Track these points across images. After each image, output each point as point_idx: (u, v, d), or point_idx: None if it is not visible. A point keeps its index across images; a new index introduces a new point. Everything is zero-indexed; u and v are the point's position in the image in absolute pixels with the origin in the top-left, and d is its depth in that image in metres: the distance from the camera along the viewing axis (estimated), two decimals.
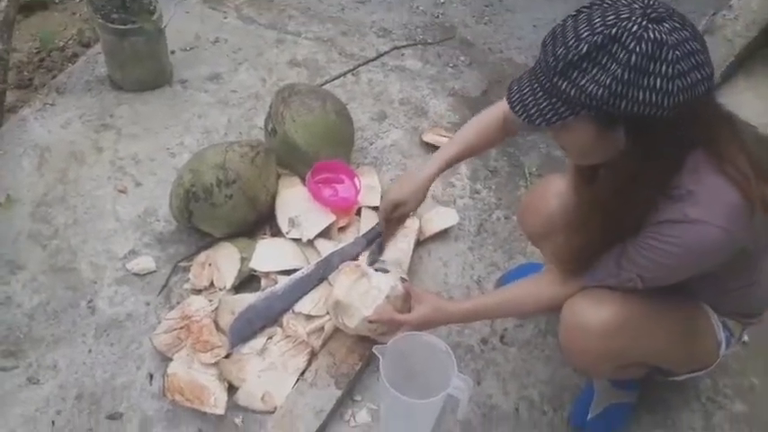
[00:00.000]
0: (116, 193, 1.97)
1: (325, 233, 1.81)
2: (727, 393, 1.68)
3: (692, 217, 1.05)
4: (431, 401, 1.32)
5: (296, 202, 1.82)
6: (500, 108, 1.47)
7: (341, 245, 1.77)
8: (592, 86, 0.95)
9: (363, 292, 1.49)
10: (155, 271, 1.78)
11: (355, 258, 1.75)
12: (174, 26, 2.45)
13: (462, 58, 2.62)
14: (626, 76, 0.93)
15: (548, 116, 1.01)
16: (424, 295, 1.46)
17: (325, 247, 1.76)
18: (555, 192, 1.43)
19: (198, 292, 1.71)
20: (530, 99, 1.03)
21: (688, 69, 0.94)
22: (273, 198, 1.84)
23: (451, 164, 1.56)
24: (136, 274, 1.77)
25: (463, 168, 2.14)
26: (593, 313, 1.23)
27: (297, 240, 1.78)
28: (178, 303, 1.69)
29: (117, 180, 2.01)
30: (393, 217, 1.65)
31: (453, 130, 2.28)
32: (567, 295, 1.28)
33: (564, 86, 0.98)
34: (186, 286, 1.73)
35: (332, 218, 1.81)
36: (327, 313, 1.64)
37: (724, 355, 1.36)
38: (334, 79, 2.40)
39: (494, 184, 2.12)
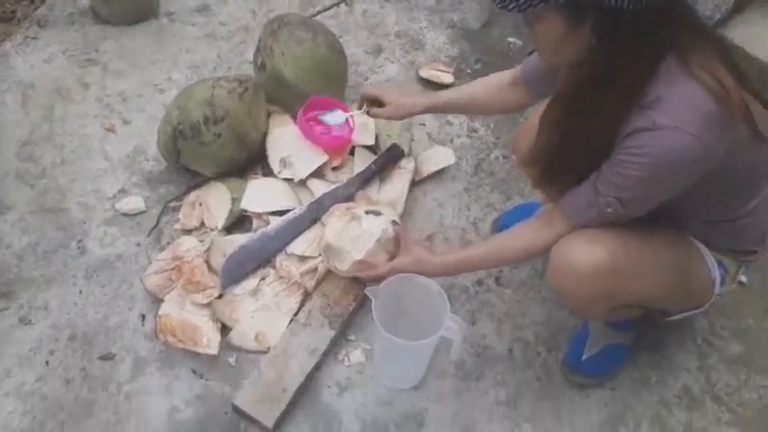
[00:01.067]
0: (104, 131, 1.92)
1: (318, 173, 1.76)
2: (723, 335, 1.67)
3: (661, 123, 1.02)
4: (423, 343, 1.31)
5: (287, 141, 1.77)
6: (513, 71, 1.48)
7: (334, 185, 1.73)
8: None
9: (354, 235, 1.47)
10: (145, 211, 1.75)
11: (349, 200, 1.71)
12: None
13: None
14: None
15: (520, 2, 1.00)
16: (411, 246, 1.44)
17: (318, 188, 1.72)
18: None
19: (188, 232, 1.68)
20: None
21: None
22: (264, 136, 1.78)
23: (448, 108, 1.53)
24: (125, 214, 1.74)
25: None
26: (583, 254, 1.20)
27: (289, 180, 1.74)
28: (169, 244, 1.67)
29: (104, 118, 1.95)
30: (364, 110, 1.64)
31: (452, 64, 2.21)
32: (555, 237, 1.25)
33: None
34: (177, 226, 1.70)
35: (324, 158, 1.75)
36: (320, 255, 1.62)
37: (719, 293, 1.34)
38: (326, 10, 2.30)
39: (492, 122, 2.06)
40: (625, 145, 1.08)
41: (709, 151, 1.03)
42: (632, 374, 1.57)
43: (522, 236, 1.32)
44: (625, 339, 1.53)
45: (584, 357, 1.51)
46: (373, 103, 1.62)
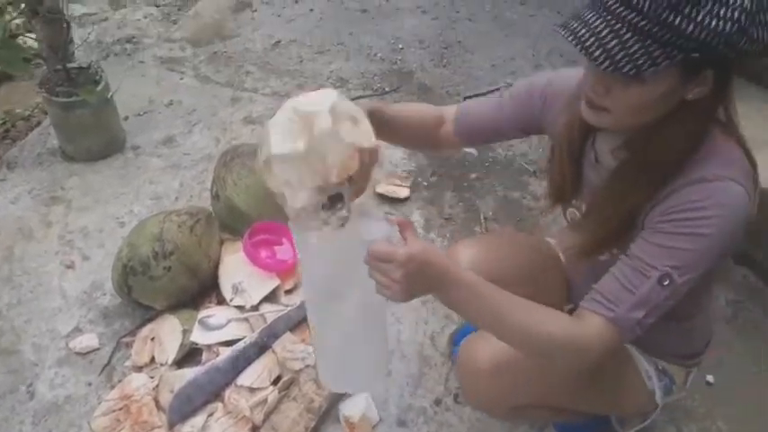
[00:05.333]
0: (63, 268, 1.94)
1: (271, 297, 1.76)
2: None
3: (718, 173, 0.93)
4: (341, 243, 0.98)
5: (239, 268, 1.78)
6: (443, 111, 1.29)
7: (286, 309, 1.72)
8: (714, 22, 0.81)
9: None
10: (98, 348, 1.74)
11: (302, 323, 1.71)
12: (127, 91, 2.47)
13: None
14: (751, 7, 0.82)
15: (639, 62, 0.84)
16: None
17: (271, 313, 1.72)
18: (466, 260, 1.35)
19: (139, 369, 1.66)
20: (612, 41, 0.85)
21: None
22: (217, 265, 1.80)
23: (383, 115, 1.14)
24: (78, 353, 1.73)
25: (416, 216, 2.11)
26: (485, 351, 1.18)
27: (241, 307, 1.73)
28: (120, 381, 1.65)
29: (65, 255, 1.98)
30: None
31: (409, 179, 2.25)
32: (590, 340, 0.97)
33: (676, 23, 0.82)
34: (128, 363, 1.69)
35: (276, 281, 1.76)
36: (271, 384, 1.59)
37: (667, 402, 1.30)
38: None
39: (449, 232, 2.08)
40: (671, 205, 0.95)
41: (750, 210, 0.96)
42: None
43: (555, 313, 1.00)
44: None
45: None
46: None
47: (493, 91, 1.01)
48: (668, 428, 1.62)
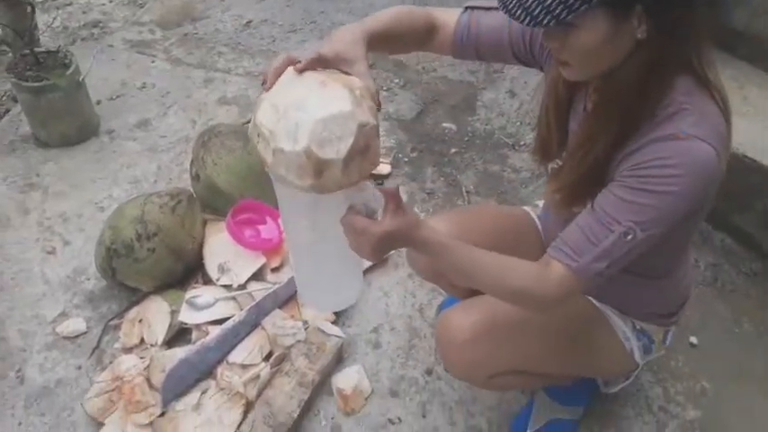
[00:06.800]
0: (44, 254, 1.91)
1: (258, 275, 1.76)
2: (679, 401, 1.65)
3: (689, 132, 0.93)
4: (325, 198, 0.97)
5: (224, 248, 1.78)
6: (435, 18, 1.20)
7: (274, 287, 1.72)
8: None
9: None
10: (86, 332, 1.73)
11: (291, 300, 1.72)
12: (98, 75, 2.43)
13: (396, 81, 2.60)
14: None
15: (556, 11, 0.87)
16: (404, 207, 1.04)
17: (259, 291, 1.72)
18: None
19: (129, 350, 1.65)
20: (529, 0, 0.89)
21: None
22: (201, 246, 1.79)
23: (378, 31, 1.09)
24: (66, 338, 1.71)
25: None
26: (460, 321, 1.23)
27: (228, 287, 1.73)
28: (110, 364, 1.64)
29: (45, 241, 1.95)
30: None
31: (389, 154, 2.26)
32: (553, 285, 1.02)
33: None
34: (117, 345, 1.68)
35: (262, 260, 1.76)
36: (263, 360, 1.60)
37: (645, 361, 1.34)
38: None
39: (431, 207, 2.10)
40: (639, 160, 0.96)
41: (720, 172, 0.96)
42: None
43: (528, 270, 1.05)
44: (572, 414, 1.51)
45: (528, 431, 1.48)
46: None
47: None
48: (655, 389, 1.67)
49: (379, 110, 0.99)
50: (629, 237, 0.96)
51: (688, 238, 1.19)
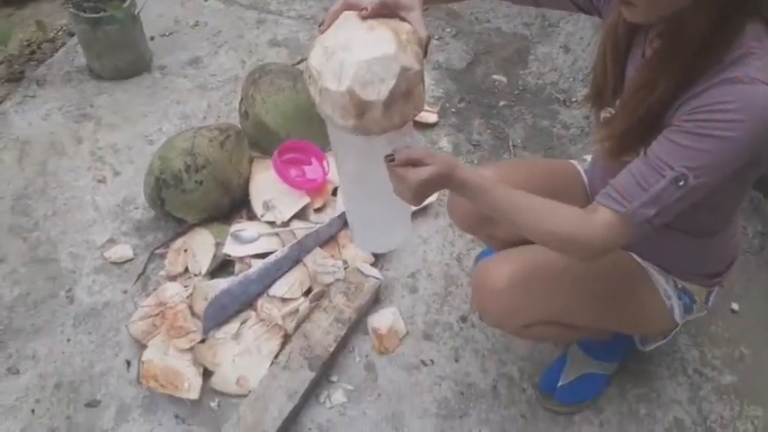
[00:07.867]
0: (95, 183, 1.97)
1: (301, 214, 1.79)
2: (716, 365, 1.63)
3: (755, 77, 0.88)
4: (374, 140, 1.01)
5: (270, 185, 1.80)
6: None
7: (317, 226, 1.75)
8: None
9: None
10: (132, 259, 1.79)
11: (332, 239, 1.74)
12: (153, 11, 2.45)
13: (448, 29, 2.56)
14: None
15: None
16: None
17: (301, 229, 1.75)
18: None
19: (173, 278, 1.71)
20: None
21: None
22: (247, 182, 1.82)
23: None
24: (114, 263, 1.78)
25: (444, 142, 2.10)
26: (498, 270, 1.21)
27: (272, 223, 1.76)
28: (155, 290, 1.69)
29: (96, 170, 2.01)
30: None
31: (437, 104, 2.24)
32: (601, 230, 0.99)
33: None
34: (162, 273, 1.73)
35: (306, 199, 1.78)
36: (302, 295, 1.63)
37: (684, 321, 1.32)
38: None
39: (476, 158, 2.08)
40: (700, 104, 0.92)
41: None
42: (620, 408, 1.54)
43: (573, 215, 1.03)
44: (605, 370, 1.51)
45: (559, 384, 1.49)
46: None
47: None
48: (692, 351, 1.65)
49: (425, 57, 1.00)
50: (681, 183, 0.93)
51: (739, 196, 1.15)
